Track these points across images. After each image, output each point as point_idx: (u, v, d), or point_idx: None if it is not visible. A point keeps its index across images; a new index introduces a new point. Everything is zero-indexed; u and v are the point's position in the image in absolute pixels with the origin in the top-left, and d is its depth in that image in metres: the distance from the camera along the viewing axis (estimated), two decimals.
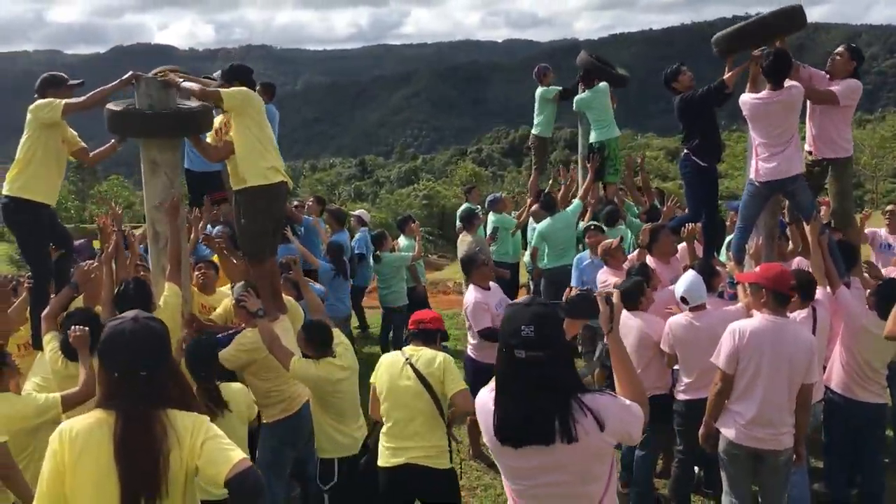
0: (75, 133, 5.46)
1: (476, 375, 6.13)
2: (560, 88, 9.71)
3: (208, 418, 2.56)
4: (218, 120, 6.03)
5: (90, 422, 2.44)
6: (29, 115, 5.11)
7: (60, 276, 5.36)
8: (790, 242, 6.42)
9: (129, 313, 2.57)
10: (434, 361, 4.37)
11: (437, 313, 5.01)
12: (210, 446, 2.44)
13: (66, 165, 5.45)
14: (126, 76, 4.97)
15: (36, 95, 5.22)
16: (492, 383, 2.59)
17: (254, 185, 4.89)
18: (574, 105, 9.38)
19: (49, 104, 5.03)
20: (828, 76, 5.89)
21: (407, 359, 4.39)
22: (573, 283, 7.29)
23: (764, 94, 5.45)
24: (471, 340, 6.24)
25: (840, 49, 5.89)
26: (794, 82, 5.46)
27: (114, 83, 5.07)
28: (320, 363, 4.50)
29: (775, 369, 4.26)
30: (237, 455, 2.41)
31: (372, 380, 4.57)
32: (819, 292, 5.15)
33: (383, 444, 4.41)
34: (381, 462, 4.40)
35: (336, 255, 8.27)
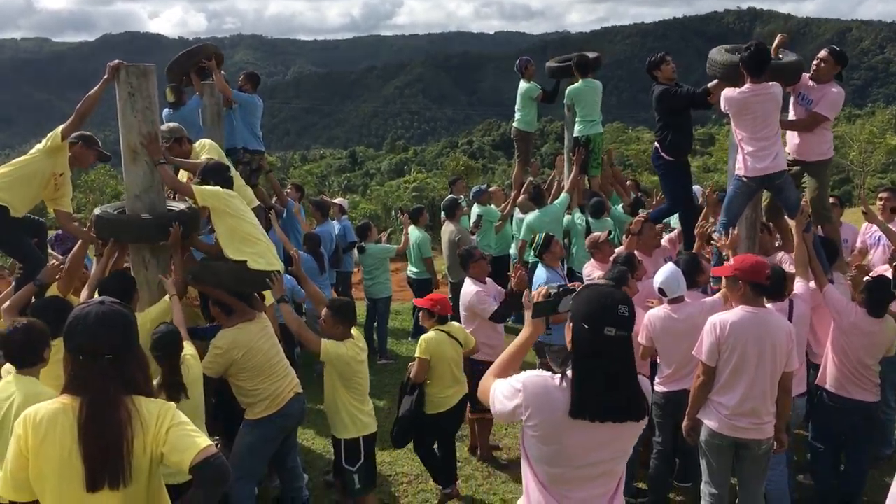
0: (70, 193, 5.60)
1: (467, 371, 6.16)
2: (541, 90, 9.75)
3: (174, 405, 2.55)
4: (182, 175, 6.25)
5: (55, 407, 2.44)
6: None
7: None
8: (772, 237, 6.42)
9: (98, 298, 2.56)
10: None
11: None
12: (175, 433, 2.44)
13: (41, 193, 5.46)
14: (106, 76, 4.95)
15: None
16: (531, 372, 2.63)
17: (237, 259, 4.87)
18: (565, 95, 9.38)
19: (50, 135, 5.26)
20: (812, 82, 5.90)
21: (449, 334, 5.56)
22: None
23: (747, 87, 5.43)
24: None
25: (824, 54, 5.87)
26: (774, 82, 5.46)
27: (97, 86, 5.08)
28: (347, 343, 4.84)
29: (758, 360, 4.31)
30: (202, 442, 2.42)
31: (426, 355, 5.42)
32: (799, 286, 5.18)
33: (437, 395, 5.54)
34: (439, 409, 5.56)
35: (313, 248, 8.25)
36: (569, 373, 2.54)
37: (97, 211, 5.10)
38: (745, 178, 5.64)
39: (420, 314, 5.92)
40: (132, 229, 4.94)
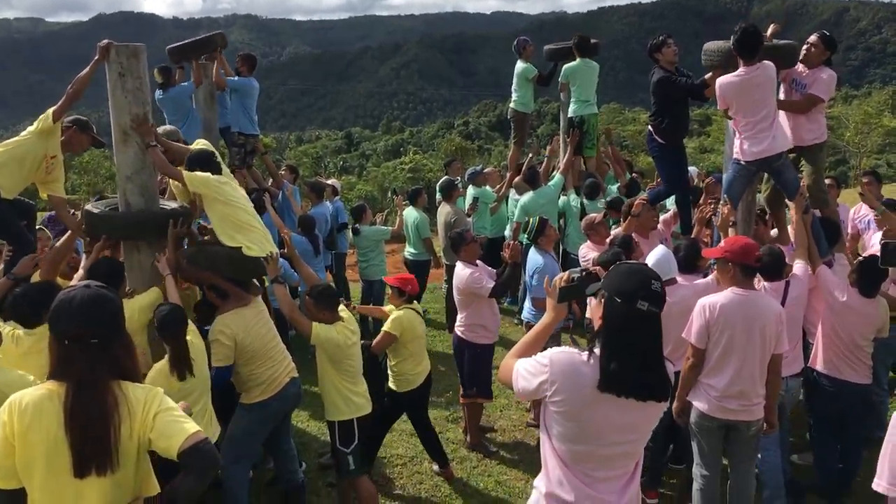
0: (62, 177, 5.49)
1: (461, 353, 6.18)
2: (538, 72, 9.71)
3: (161, 390, 2.53)
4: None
5: (40, 393, 2.41)
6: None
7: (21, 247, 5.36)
8: (767, 227, 6.39)
9: (84, 282, 2.53)
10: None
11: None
12: (163, 419, 2.42)
13: (32, 176, 5.37)
14: (97, 56, 4.89)
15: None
16: (557, 348, 2.65)
17: (231, 245, 4.84)
18: (561, 73, 9.33)
19: (41, 117, 5.14)
20: (803, 67, 5.87)
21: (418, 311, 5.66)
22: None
23: (741, 70, 5.39)
24: (461, 321, 6.15)
25: (813, 39, 5.85)
26: (767, 61, 5.42)
27: (88, 67, 5.02)
28: (337, 326, 4.86)
29: (747, 342, 4.31)
30: (190, 427, 2.39)
31: (395, 332, 5.41)
32: (798, 267, 5.17)
33: (409, 372, 5.55)
34: (412, 386, 5.57)
35: (308, 229, 8.23)
36: (596, 350, 2.56)
37: (88, 207, 5.03)
38: (743, 162, 5.62)
39: (389, 293, 5.90)
40: (123, 227, 4.87)
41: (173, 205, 5.18)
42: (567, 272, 2.84)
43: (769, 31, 5.84)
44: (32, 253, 5.09)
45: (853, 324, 5.06)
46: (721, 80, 5.50)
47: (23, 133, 5.27)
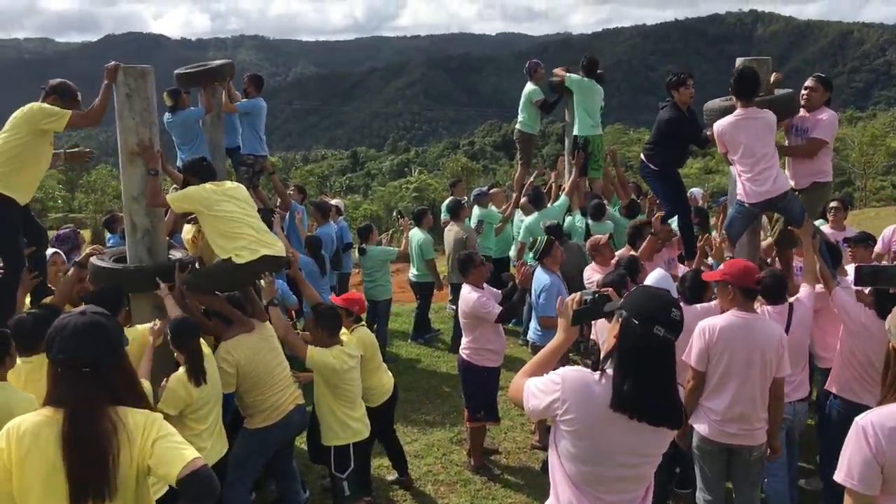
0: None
1: (467, 377, 6.14)
2: (543, 98, 9.76)
3: (161, 416, 2.51)
4: (188, 230, 6.42)
5: (38, 419, 2.39)
6: (22, 115, 5.02)
7: (35, 272, 5.33)
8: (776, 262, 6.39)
9: (80, 308, 2.52)
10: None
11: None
12: (161, 445, 2.40)
13: (41, 174, 5.38)
14: (106, 82, 4.91)
15: (42, 92, 5.20)
16: (570, 367, 2.65)
17: (224, 258, 4.81)
18: (567, 81, 9.34)
19: (52, 115, 5.00)
20: (803, 111, 5.86)
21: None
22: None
23: (738, 111, 5.41)
24: (466, 343, 6.11)
25: (811, 83, 5.83)
26: (767, 109, 5.44)
27: (103, 93, 4.99)
28: (334, 351, 4.81)
29: (747, 365, 4.29)
30: (190, 454, 2.37)
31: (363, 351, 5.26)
32: (804, 291, 5.15)
33: (380, 387, 5.60)
34: (383, 399, 5.61)
35: (314, 250, 8.24)
36: (609, 370, 2.56)
37: (94, 260, 5.01)
38: (747, 204, 5.59)
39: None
40: (128, 281, 4.88)
41: (179, 254, 5.23)
42: (579, 294, 2.83)
43: (771, 80, 5.84)
44: (20, 277, 5.09)
45: (871, 345, 5.02)
46: (718, 124, 5.51)
47: (15, 131, 5.02)
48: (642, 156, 6.85)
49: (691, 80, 6.63)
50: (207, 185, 4.84)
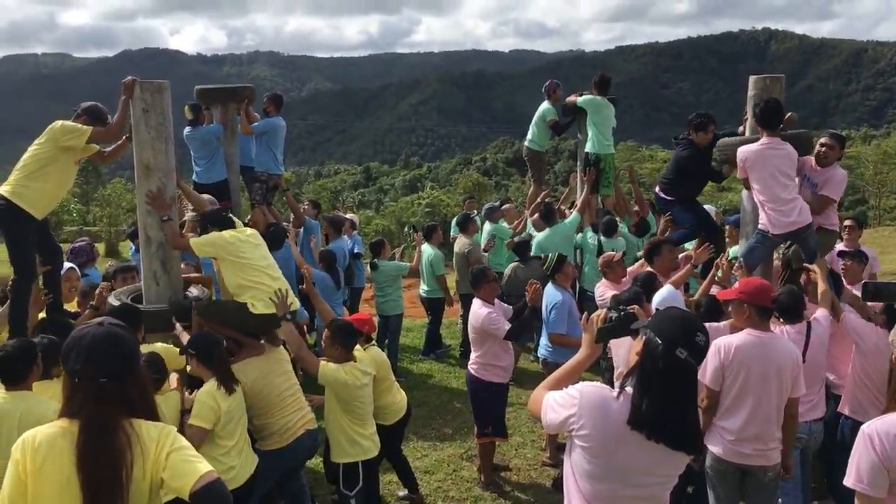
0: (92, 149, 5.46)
1: (475, 392, 6.13)
2: (555, 119, 9.79)
3: (175, 429, 2.52)
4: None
5: (53, 431, 2.39)
6: (47, 131, 5.11)
7: (48, 290, 5.40)
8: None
9: (98, 319, 2.54)
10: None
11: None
12: (175, 458, 2.39)
13: (71, 184, 5.46)
14: (124, 97, 4.98)
15: (74, 114, 5.29)
16: (589, 383, 2.66)
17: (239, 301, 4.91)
18: (579, 101, 9.37)
19: (73, 132, 5.08)
20: (816, 165, 5.90)
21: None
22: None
23: (763, 140, 5.45)
24: (475, 358, 6.10)
25: (828, 141, 5.86)
26: (789, 144, 5.49)
27: (121, 107, 5.09)
28: (346, 367, 4.80)
29: (763, 384, 4.25)
30: (203, 467, 2.37)
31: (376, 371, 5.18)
32: (820, 312, 5.13)
33: (394, 405, 5.54)
34: (398, 416, 5.57)
35: (329, 264, 8.26)
36: (629, 389, 2.56)
37: (111, 300, 5.09)
38: (771, 234, 5.60)
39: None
40: (147, 320, 4.92)
41: (196, 292, 5.35)
42: (604, 311, 2.83)
43: (786, 118, 5.88)
44: (30, 286, 5.15)
45: (884, 366, 4.97)
46: (743, 149, 5.55)
47: (44, 147, 5.13)
48: (659, 192, 6.85)
49: (713, 126, 6.71)
50: (230, 232, 4.98)
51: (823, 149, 5.83)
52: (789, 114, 5.93)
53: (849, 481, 2.87)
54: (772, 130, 5.43)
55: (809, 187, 5.90)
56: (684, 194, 6.79)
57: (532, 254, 8.88)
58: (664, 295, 5.12)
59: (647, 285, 5.65)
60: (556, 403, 2.66)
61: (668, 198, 6.81)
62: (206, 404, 4.21)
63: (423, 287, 9.60)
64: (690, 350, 2.48)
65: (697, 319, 2.63)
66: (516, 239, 9.20)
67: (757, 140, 5.57)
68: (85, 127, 5.10)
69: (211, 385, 4.30)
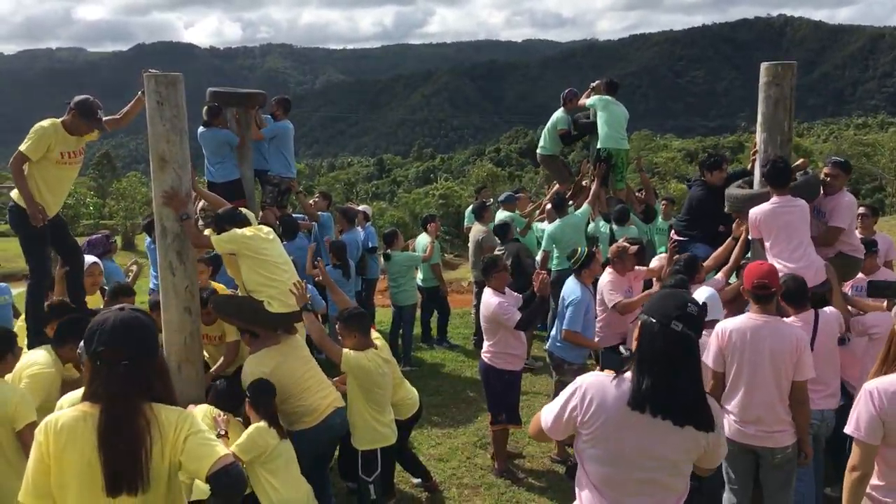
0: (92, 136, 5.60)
1: (489, 380, 6.17)
2: (567, 128, 9.85)
3: (193, 413, 2.59)
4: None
5: (75, 414, 2.46)
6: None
7: (71, 292, 5.52)
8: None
9: (118, 304, 2.60)
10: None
11: None
12: (192, 441, 2.46)
13: (69, 184, 5.59)
14: (139, 95, 5.11)
15: (66, 107, 5.38)
16: (580, 376, 2.72)
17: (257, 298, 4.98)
18: (589, 102, 9.41)
19: (29, 138, 5.19)
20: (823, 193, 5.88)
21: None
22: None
23: (773, 199, 5.46)
24: (488, 347, 6.15)
25: (832, 171, 5.84)
26: (801, 199, 5.48)
27: (135, 102, 5.29)
28: (369, 353, 4.87)
29: (756, 366, 4.31)
30: (220, 450, 2.43)
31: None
32: (831, 308, 5.14)
33: (407, 399, 5.50)
34: (413, 410, 5.53)
35: (340, 255, 8.32)
36: (628, 374, 2.60)
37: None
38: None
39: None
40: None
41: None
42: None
43: (797, 164, 5.91)
44: (45, 285, 5.27)
45: None
46: (754, 210, 5.56)
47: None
48: (676, 235, 6.83)
49: (726, 165, 6.87)
50: (249, 229, 5.06)
51: (829, 178, 5.85)
52: (800, 160, 5.96)
53: (848, 429, 3.28)
54: (782, 189, 5.46)
55: (818, 218, 5.87)
56: (701, 234, 6.83)
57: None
58: (704, 296, 5.17)
59: (690, 270, 5.64)
60: (555, 405, 2.73)
61: (685, 238, 6.85)
62: (254, 440, 4.31)
63: (419, 276, 9.73)
64: (686, 321, 2.52)
65: (689, 294, 2.68)
66: (497, 220, 9.31)
67: (767, 196, 5.55)
68: (45, 132, 5.21)
69: (265, 424, 4.40)
